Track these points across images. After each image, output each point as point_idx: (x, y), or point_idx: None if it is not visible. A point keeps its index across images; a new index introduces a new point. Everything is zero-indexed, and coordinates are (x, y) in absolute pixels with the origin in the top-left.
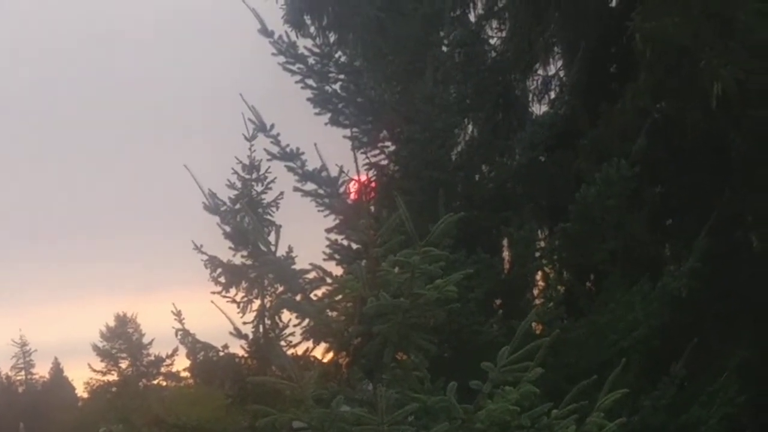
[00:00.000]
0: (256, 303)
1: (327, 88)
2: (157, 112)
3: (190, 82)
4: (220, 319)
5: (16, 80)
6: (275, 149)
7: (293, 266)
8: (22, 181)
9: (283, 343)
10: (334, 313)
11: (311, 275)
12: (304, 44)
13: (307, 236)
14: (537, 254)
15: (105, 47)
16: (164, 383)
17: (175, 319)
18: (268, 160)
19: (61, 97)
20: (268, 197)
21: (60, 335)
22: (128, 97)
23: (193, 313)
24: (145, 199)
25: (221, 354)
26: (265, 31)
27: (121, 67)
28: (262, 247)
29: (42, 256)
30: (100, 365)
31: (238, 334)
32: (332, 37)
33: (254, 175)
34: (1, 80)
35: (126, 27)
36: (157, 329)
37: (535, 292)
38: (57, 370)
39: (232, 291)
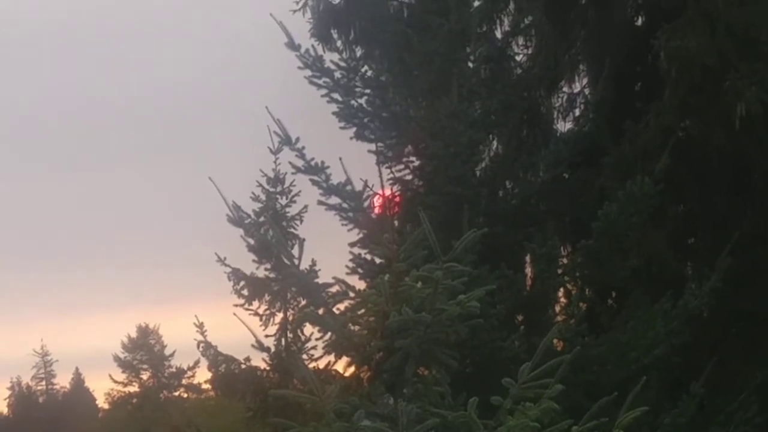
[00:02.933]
0: (279, 316)
1: (353, 102)
2: (184, 124)
3: (217, 95)
4: (242, 332)
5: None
6: (300, 162)
7: (316, 280)
8: (47, 191)
9: (305, 356)
10: (357, 327)
11: (334, 289)
12: (330, 58)
13: (330, 250)
14: (559, 271)
15: (131, 56)
16: (185, 395)
17: (197, 331)
18: (292, 173)
19: (88, 108)
20: (292, 210)
21: (81, 346)
22: (156, 107)
23: (216, 325)
24: (170, 211)
25: (243, 366)
26: (292, 45)
27: (151, 77)
28: (286, 261)
29: (64, 267)
30: (121, 376)
31: (260, 346)
32: (359, 52)
33: (279, 188)
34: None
35: (154, 33)
36: (179, 341)
37: (557, 308)
38: (78, 380)
39: (255, 304)
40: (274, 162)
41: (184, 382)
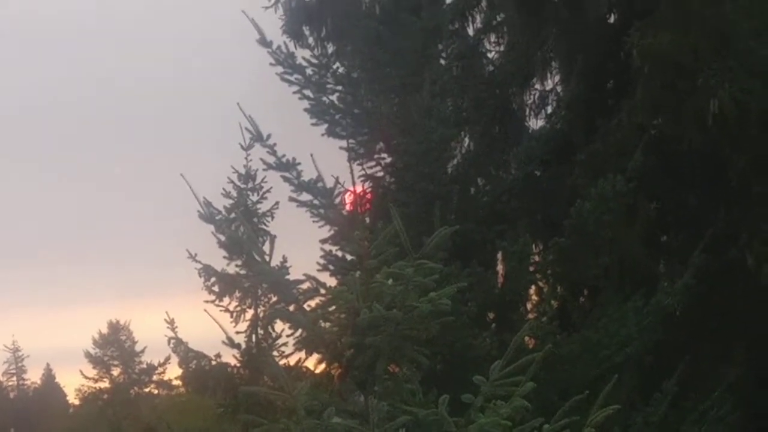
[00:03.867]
0: (250, 312)
1: (324, 99)
2: (155, 120)
3: (188, 91)
4: (213, 328)
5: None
6: (271, 159)
7: (287, 276)
8: (13, 186)
9: (275, 353)
10: (327, 324)
11: (305, 286)
12: (302, 55)
13: (302, 247)
14: (531, 268)
15: (101, 51)
16: (156, 391)
17: (168, 327)
18: (264, 170)
19: (57, 101)
20: (263, 207)
21: (52, 341)
22: (126, 103)
23: (187, 321)
24: (140, 206)
25: (213, 363)
26: (264, 41)
27: (118, 73)
28: (257, 257)
29: (35, 262)
30: (92, 372)
31: (231, 343)
32: (330, 48)
33: (250, 185)
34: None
35: (124, 32)
36: (150, 337)
37: (529, 306)
38: (49, 376)
39: (226, 300)
40: (246, 158)
41: (155, 378)
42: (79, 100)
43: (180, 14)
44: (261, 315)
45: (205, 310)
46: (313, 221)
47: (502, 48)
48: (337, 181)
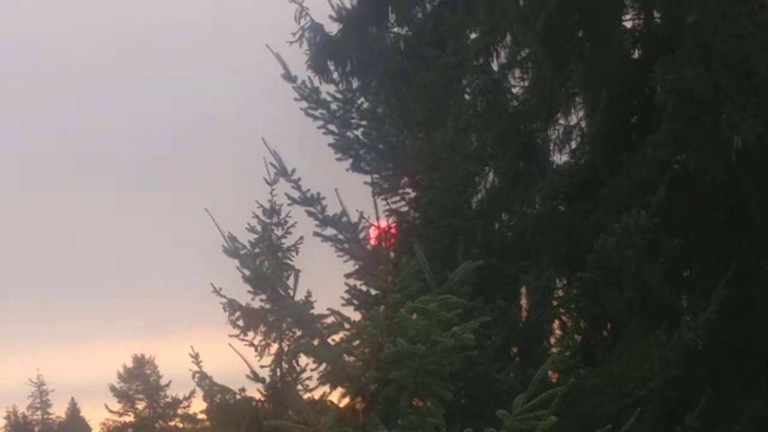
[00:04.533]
0: (274, 347)
1: (349, 134)
2: (181, 154)
3: (214, 126)
4: (237, 362)
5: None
6: (296, 194)
7: (311, 311)
8: (42, 219)
9: (300, 387)
10: (352, 359)
11: (329, 320)
12: (326, 90)
13: (326, 281)
14: (554, 303)
15: (128, 87)
16: (181, 425)
17: (193, 362)
18: (288, 204)
19: (82, 133)
20: (287, 242)
21: (77, 375)
22: (152, 136)
23: (211, 355)
24: (165, 241)
25: (238, 397)
26: (289, 76)
27: (149, 108)
28: (281, 292)
29: (61, 296)
30: (117, 406)
31: (256, 377)
32: (355, 83)
33: (274, 219)
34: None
35: (151, 67)
36: (175, 371)
37: (552, 340)
38: (74, 410)
39: (250, 334)
40: (270, 193)
41: (179, 412)
42: (102, 133)
43: (206, 48)
44: (285, 349)
45: (230, 345)
46: (338, 256)
47: (526, 83)
48: (361, 216)
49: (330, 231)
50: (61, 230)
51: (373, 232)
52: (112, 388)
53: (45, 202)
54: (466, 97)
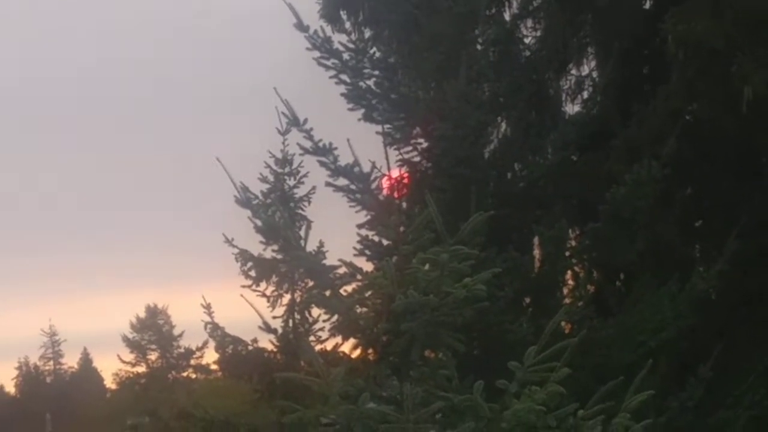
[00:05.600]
0: (286, 297)
1: (361, 84)
2: (194, 105)
3: (225, 76)
4: (250, 313)
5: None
6: (308, 144)
7: (323, 261)
8: (55, 171)
9: (312, 338)
10: (363, 310)
11: (341, 271)
12: (339, 39)
13: (338, 232)
14: (567, 253)
15: (138, 37)
16: (193, 376)
17: (205, 312)
18: (300, 154)
19: (100, 85)
20: (300, 192)
21: (90, 326)
22: (166, 88)
23: (224, 306)
24: (177, 191)
25: (250, 348)
26: (301, 26)
27: (161, 58)
28: (293, 242)
29: (73, 246)
30: (129, 356)
31: (267, 328)
32: (367, 33)
33: (287, 170)
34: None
35: (164, 18)
36: (188, 321)
37: (565, 291)
38: (86, 360)
39: (262, 285)
40: (282, 143)
41: (192, 362)
42: (113, 83)
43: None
44: (297, 300)
45: (242, 295)
46: (350, 206)
47: (538, 33)
48: (373, 166)
49: (342, 181)
50: (73, 183)
51: (385, 183)
52: (125, 339)
53: (54, 154)
54: (478, 47)
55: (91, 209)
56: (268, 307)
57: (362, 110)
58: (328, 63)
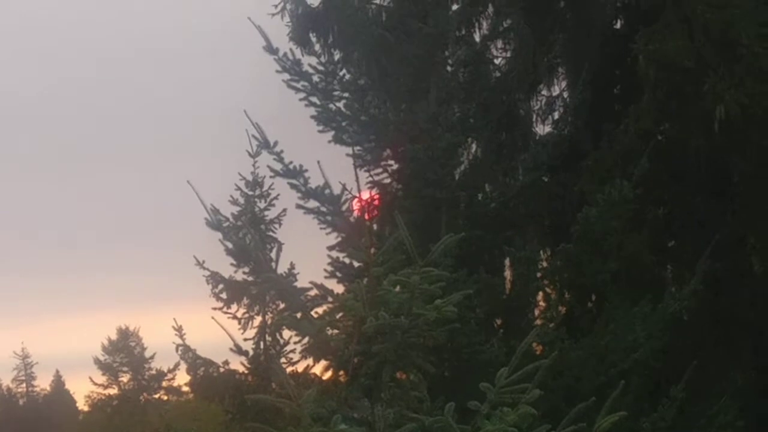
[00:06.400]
0: (257, 320)
1: (331, 106)
2: (162, 127)
3: (194, 99)
4: (221, 335)
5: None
6: (278, 166)
7: (294, 283)
8: (23, 191)
9: (283, 360)
10: (334, 332)
11: (312, 293)
12: (308, 62)
13: (309, 254)
14: (538, 274)
15: (113, 60)
16: (165, 397)
17: (176, 334)
18: (271, 177)
19: (67, 107)
20: (270, 214)
21: (62, 348)
22: (134, 110)
23: (195, 328)
24: (148, 214)
25: (221, 370)
26: (270, 48)
27: (131, 79)
28: (264, 264)
29: (43, 269)
30: (101, 378)
31: (239, 350)
32: (337, 55)
33: (257, 192)
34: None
35: (133, 42)
36: (160, 343)
37: (536, 312)
38: (58, 382)
39: (234, 307)
40: (253, 165)
41: (164, 384)
42: (82, 104)
43: (188, 21)
44: (268, 322)
45: (213, 318)
46: (320, 228)
47: (508, 54)
48: (344, 188)
49: (313, 203)
50: (45, 203)
51: (355, 205)
52: (97, 361)
53: (24, 173)
54: (448, 68)
55: (61, 230)
56: (239, 329)
57: (332, 132)
58: (298, 85)
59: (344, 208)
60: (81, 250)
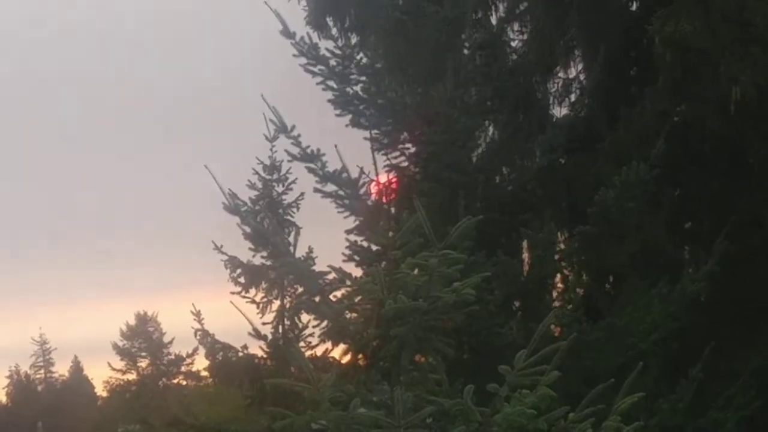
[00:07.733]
0: (276, 304)
1: (348, 89)
2: (180, 112)
3: (212, 83)
4: (239, 320)
5: (34, 74)
6: (296, 150)
7: (313, 267)
8: (42, 180)
9: (302, 344)
10: (353, 315)
11: (330, 277)
12: (325, 46)
13: (327, 237)
14: (556, 257)
15: (129, 45)
16: (184, 382)
17: (195, 319)
18: (288, 161)
19: (80, 94)
20: (288, 198)
21: (80, 334)
22: (151, 96)
23: (213, 313)
24: (167, 199)
25: (240, 355)
26: (287, 33)
27: (146, 65)
28: (282, 248)
29: (63, 255)
30: (119, 364)
31: (257, 334)
32: (354, 39)
33: (275, 176)
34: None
35: (149, 26)
36: (178, 328)
37: (554, 294)
38: (77, 368)
39: (252, 291)
40: (270, 150)
41: (182, 369)
42: (105, 93)
43: (204, 5)
44: (287, 306)
45: (231, 302)
46: (338, 212)
47: (525, 37)
48: (361, 172)
49: (330, 187)
50: (64, 189)
51: (373, 188)
52: (115, 346)
53: (42, 160)
54: (465, 51)
55: (79, 217)
56: (257, 313)
57: (349, 116)
58: (315, 69)
59: (362, 191)
60: (100, 236)
